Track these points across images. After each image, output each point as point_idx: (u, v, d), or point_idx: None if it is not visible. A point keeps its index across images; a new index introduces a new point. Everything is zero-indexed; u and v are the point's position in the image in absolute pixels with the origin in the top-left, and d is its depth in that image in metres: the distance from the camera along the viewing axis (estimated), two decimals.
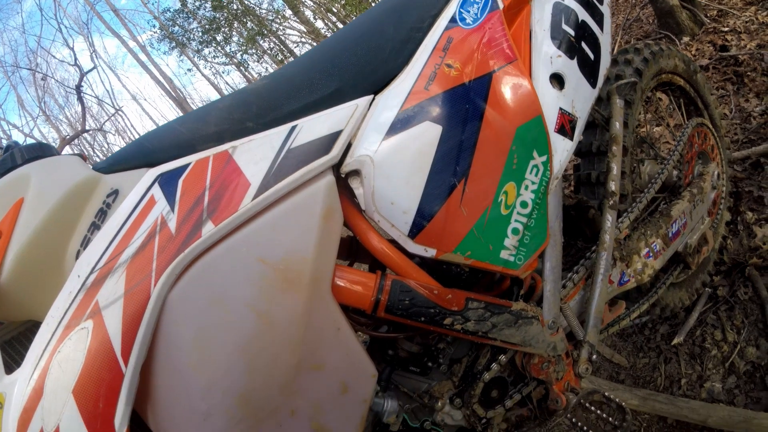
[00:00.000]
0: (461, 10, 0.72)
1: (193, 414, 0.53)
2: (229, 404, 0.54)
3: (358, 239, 0.68)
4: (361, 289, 0.64)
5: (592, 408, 0.76)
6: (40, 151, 0.69)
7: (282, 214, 0.57)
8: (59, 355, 0.50)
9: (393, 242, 0.65)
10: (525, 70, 0.70)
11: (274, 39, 9.73)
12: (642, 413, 1.13)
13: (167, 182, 0.58)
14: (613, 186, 0.82)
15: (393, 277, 0.65)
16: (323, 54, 0.72)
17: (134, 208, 0.58)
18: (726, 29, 2.17)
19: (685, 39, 2.33)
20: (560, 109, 0.73)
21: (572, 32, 0.78)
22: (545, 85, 0.73)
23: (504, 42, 0.71)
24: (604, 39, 0.84)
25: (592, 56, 0.80)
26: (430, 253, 0.64)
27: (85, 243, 0.60)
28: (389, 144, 0.62)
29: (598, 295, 0.80)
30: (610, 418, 0.75)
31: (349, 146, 0.63)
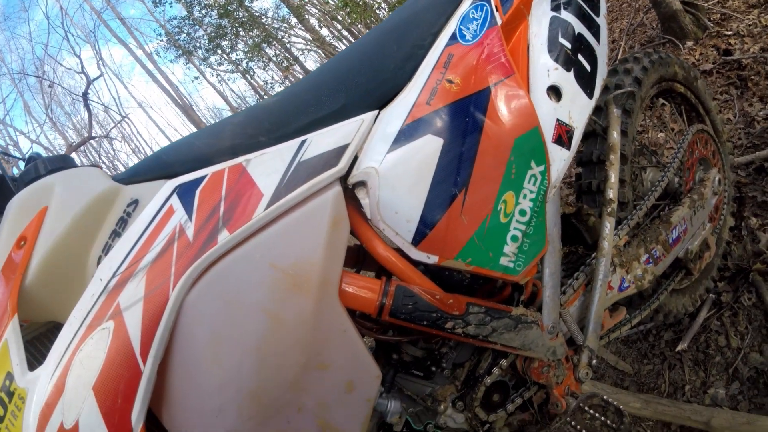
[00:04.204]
0: (461, 27, 0.75)
1: (207, 410, 0.56)
2: (241, 401, 0.56)
3: (364, 247, 0.71)
4: (368, 293, 0.66)
5: (591, 411, 0.78)
6: (62, 162, 0.73)
7: (292, 222, 0.60)
8: (81, 353, 0.53)
9: (397, 249, 0.68)
10: (522, 84, 0.73)
11: (280, 46, 9.89)
12: (646, 420, 1.13)
13: (185, 193, 0.62)
14: (611, 194, 0.84)
15: (397, 282, 0.68)
16: (330, 72, 0.75)
17: (154, 217, 0.61)
18: (729, 33, 2.17)
19: (689, 43, 2.34)
20: (557, 120, 0.76)
21: (569, 45, 0.81)
22: (542, 97, 0.76)
23: (502, 57, 0.74)
24: (601, 50, 0.87)
25: (588, 68, 0.83)
26: (432, 259, 0.67)
27: (107, 249, 0.64)
28: (393, 156, 0.65)
29: (597, 300, 0.82)
30: (608, 421, 0.77)
31: (355, 159, 0.66)
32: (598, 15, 0.90)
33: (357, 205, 0.68)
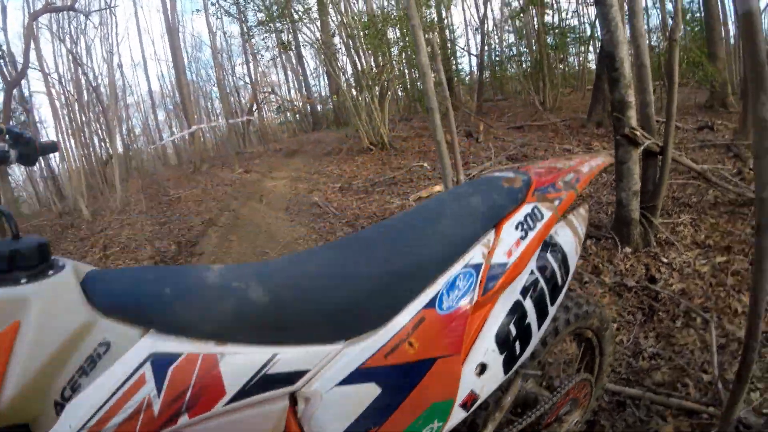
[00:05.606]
0: (444, 293, 0.92)
1: None
2: None
3: None
4: None
5: None
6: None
7: (241, 420, 0.74)
8: None
9: None
10: (459, 363, 0.92)
11: (290, 24, 10.05)
12: None
13: (159, 366, 0.69)
14: None
15: None
16: (316, 287, 0.84)
17: (126, 380, 0.67)
18: (665, 260, 2.49)
19: (627, 250, 2.58)
20: (471, 390, 0.96)
21: (514, 332, 1.01)
22: (470, 370, 0.95)
23: (458, 336, 0.92)
24: (537, 336, 1.08)
25: (518, 351, 1.04)
26: None
27: (72, 383, 0.67)
28: (339, 390, 0.81)
29: None
30: None
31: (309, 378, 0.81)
32: (553, 304, 1.10)
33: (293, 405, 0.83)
